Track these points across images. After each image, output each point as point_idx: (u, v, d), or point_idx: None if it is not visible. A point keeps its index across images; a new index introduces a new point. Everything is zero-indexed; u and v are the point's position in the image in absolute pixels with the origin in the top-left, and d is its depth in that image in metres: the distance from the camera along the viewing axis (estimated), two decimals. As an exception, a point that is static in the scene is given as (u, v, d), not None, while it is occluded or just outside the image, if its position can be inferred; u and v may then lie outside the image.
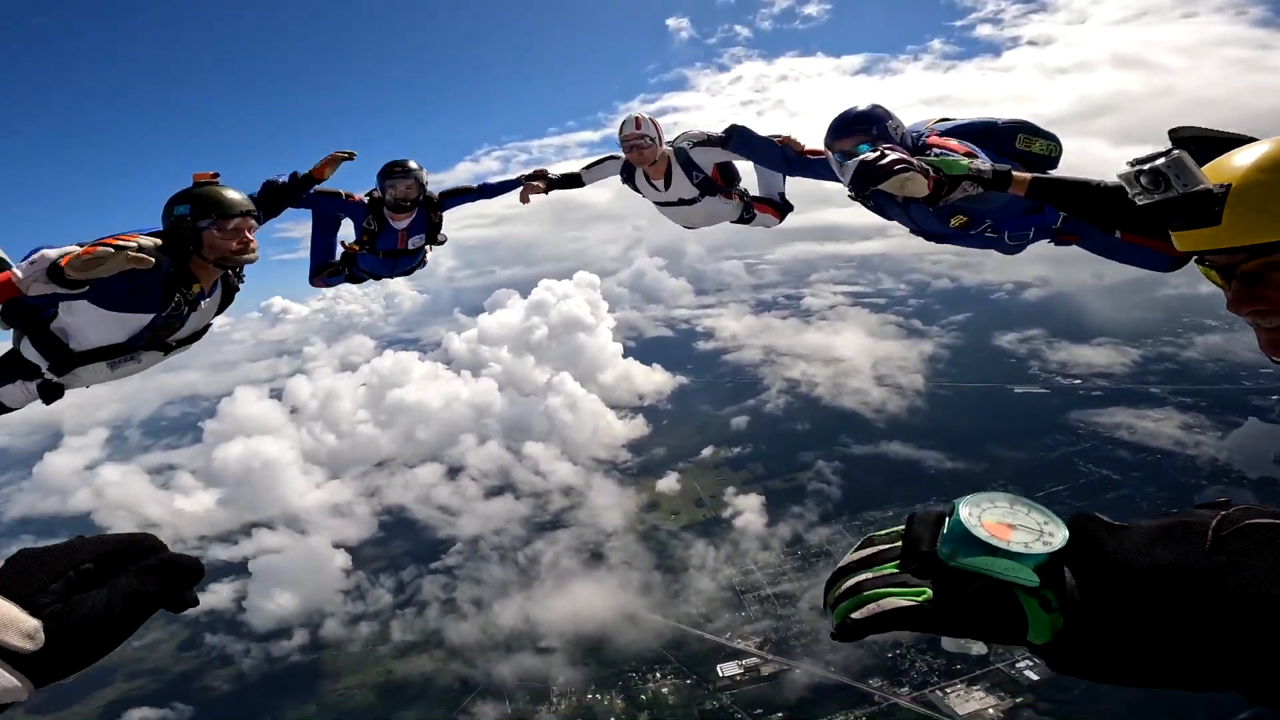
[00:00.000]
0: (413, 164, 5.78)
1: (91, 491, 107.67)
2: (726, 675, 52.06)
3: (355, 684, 56.85)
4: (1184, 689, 0.71)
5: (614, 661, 56.30)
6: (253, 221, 3.77)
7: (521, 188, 6.22)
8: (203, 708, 55.82)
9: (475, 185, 6.25)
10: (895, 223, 4.41)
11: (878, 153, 3.34)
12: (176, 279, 3.69)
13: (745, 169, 6.24)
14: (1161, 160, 1.58)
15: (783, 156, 5.25)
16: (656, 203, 6.13)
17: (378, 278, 6.29)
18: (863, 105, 4.10)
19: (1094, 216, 3.13)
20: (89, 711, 55.93)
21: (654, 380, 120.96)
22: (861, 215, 4.61)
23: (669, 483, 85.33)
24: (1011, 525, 0.81)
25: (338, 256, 6.17)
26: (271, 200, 4.73)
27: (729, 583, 65.09)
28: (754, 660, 53.18)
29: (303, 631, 65.15)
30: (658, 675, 53.48)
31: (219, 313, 4.16)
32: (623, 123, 5.74)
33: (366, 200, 5.83)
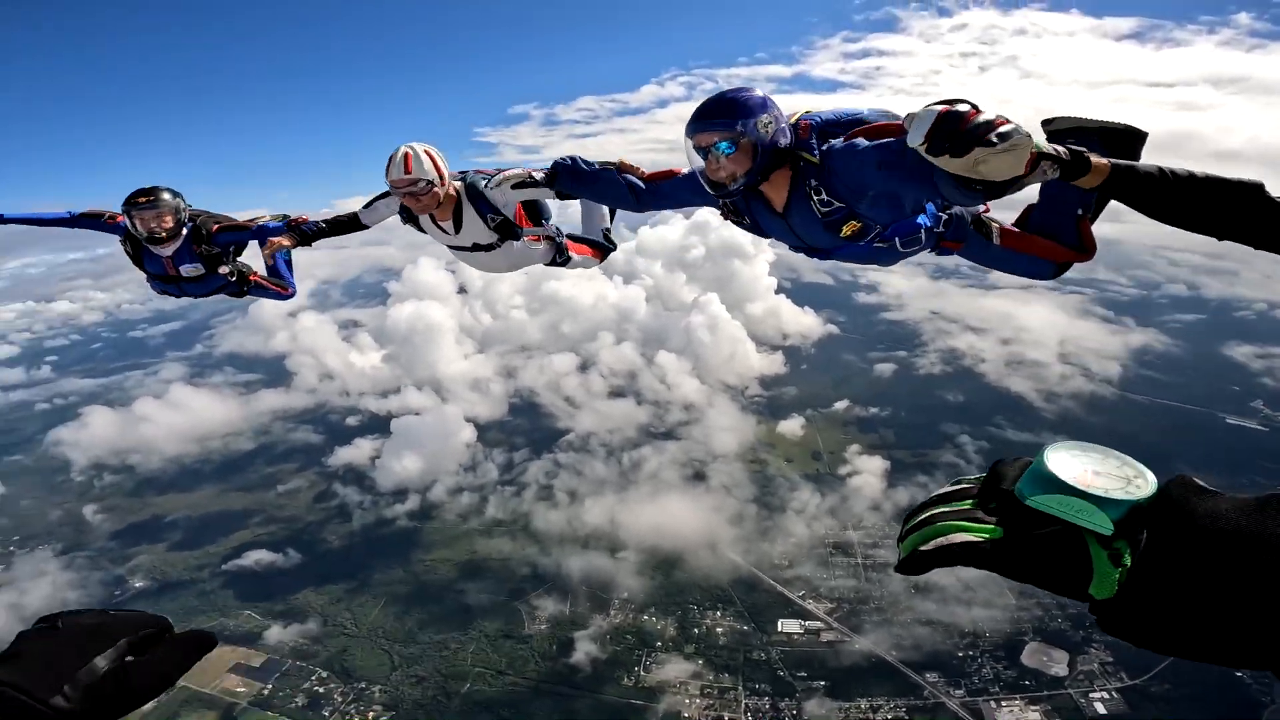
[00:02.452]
0: (165, 194, 5.40)
1: (289, 335, 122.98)
2: (784, 631, 51.02)
3: (441, 558, 61.52)
4: (1236, 666, 0.70)
5: (680, 586, 56.71)
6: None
7: (265, 245, 5.53)
8: (311, 558, 62.54)
9: (253, 226, 5.78)
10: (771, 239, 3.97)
11: (970, 106, 2.50)
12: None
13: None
14: None
15: (629, 191, 4.26)
16: (449, 246, 5.24)
17: (173, 295, 6.08)
18: (735, 91, 3.41)
19: (1189, 219, 2.52)
20: (222, 549, 64.23)
21: (802, 322, 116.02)
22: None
23: (792, 426, 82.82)
24: (1098, 473, 0.80)
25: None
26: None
27: (824, 535, 62.93)
28: (817, 624, 51.52)
29: (416, 497, 71.05)
30: (717, 613, 53.38)
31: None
32: (389, 163, 4.64)
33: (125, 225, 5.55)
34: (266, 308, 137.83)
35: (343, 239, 5.54)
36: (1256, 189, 2.34)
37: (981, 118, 2.43)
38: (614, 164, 4.32)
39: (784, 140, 3.37)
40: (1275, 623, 0.64)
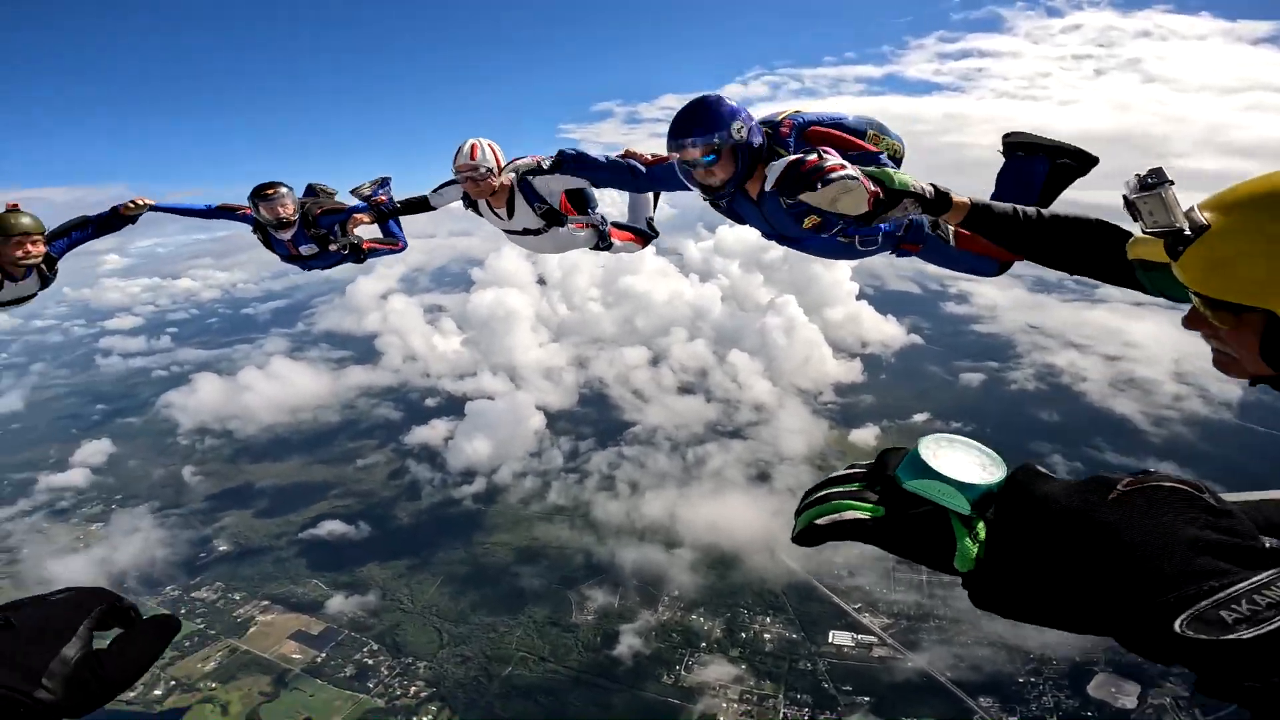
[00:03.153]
0: (283, 187, 6.22)
1: (380, 316, 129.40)
2: (835, 643, 49.38)
3: (501, 541, 62.77)
4: (1073, 631, 0.79)
5: (733, 587, 55.89)
6: (34, 239, 5.39)
7: (350, 222, 6.66)
8: (381, 532, 65.06)
9: (346, 207, 6.62)
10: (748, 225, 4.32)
11: (815, 155, 3.04)
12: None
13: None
14: (1138, 195, 1.49)
15: (629, 173, 4.83)
16: (503, 230, 5.98)
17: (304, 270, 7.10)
18: (705, 100, 3.66)
19: (1031, 250, 2.92)
20: (301, 518, 67.72)
21: (884, 330, 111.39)
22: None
23: (865, 436, 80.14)
24: (962, 460, 0.91)
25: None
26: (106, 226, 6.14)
27: None
28: (870, 639, 49.62)
29: (482, 480, 72.91)
30: (767, 618, 52.20)
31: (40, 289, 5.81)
32: (457, 151, 5.46)
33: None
34: (362, 289, 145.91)
35: (433, 228, 6.55)
36: (1111, 230, 2.60)
37: (818, 164, 2.93)
38: (621, 152, 4.91)
39: (758, 141, 3.65)
40: (1100, 591, 0.72)
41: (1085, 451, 70.72)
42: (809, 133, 3.64)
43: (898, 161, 3.80)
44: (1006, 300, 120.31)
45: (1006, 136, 4.02)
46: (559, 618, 52.82)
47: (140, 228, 6.39)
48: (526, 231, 5.82)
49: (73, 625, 0.86)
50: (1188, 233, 1.40)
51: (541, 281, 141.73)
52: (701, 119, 3.55)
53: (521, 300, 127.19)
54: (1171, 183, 1.46)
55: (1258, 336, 1.44)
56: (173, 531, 65.36)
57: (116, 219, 6.12)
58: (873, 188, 2.89)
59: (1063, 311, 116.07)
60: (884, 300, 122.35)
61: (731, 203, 4.03)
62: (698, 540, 61.42)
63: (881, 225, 3.46)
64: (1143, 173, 1.53)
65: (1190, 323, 1.62)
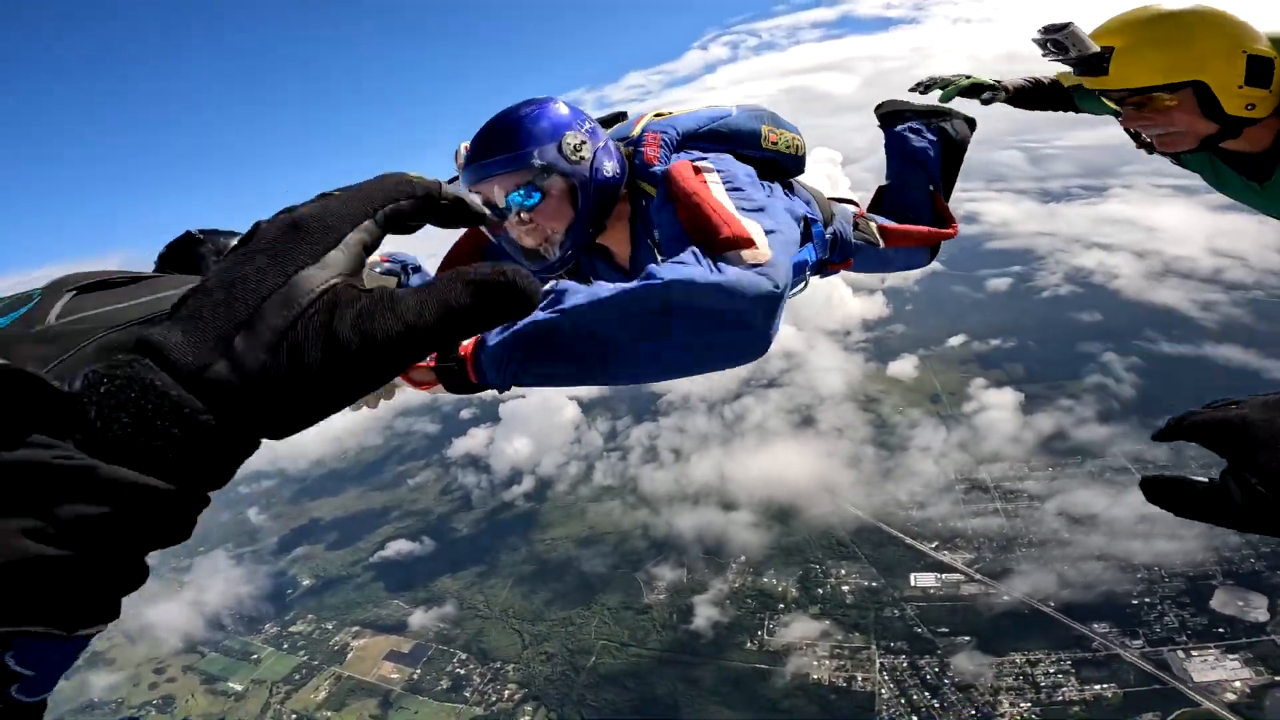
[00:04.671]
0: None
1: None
2: (919, 586, 48.74)
3: (560, 535, 63.53)
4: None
5: (799, 542, 55.77)
6: None
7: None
8: (444, 545, 66.47)
9: None
10: None
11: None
12: None
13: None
14: (1060, 33, 2.32)
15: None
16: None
17: None
18: (517, 108, 2.19)
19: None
20: (369, 545, 69.41)
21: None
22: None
23: (904, 367, 79.19)
24: None
25: None
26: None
27: (956, 470, 59.64)
28: (956, 576, 48.70)
29: (530, 479, 73.70)
30: (841, 570, 51.88)
31: None
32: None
33: None
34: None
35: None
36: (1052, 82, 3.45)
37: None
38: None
39: (612, 166, 2.22)
40: None
41: (1138, 345, 68.94)
42: (674, 176, 2.07)
43: (800, 158, 2.68)
44: (1018, 213, 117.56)
45: (878, 109, 3.65)
46: (631, 601, 53.34)
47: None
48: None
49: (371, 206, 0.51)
50: (1100, 52, 2.31)
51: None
52: (505, 136, 2.14)
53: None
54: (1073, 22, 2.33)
55: (1195, 102, 2.29)
56: (252, 569, 67.61)
57: None
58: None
59: (1075, 213, 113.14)
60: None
61: (594, 275, 2.61)
62: (753, 497, 61.61)
63: (806, 258, 2.43)
64: (1052, 22, 2.37)
65: (1129, 121, 2.48)
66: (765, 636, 47.50)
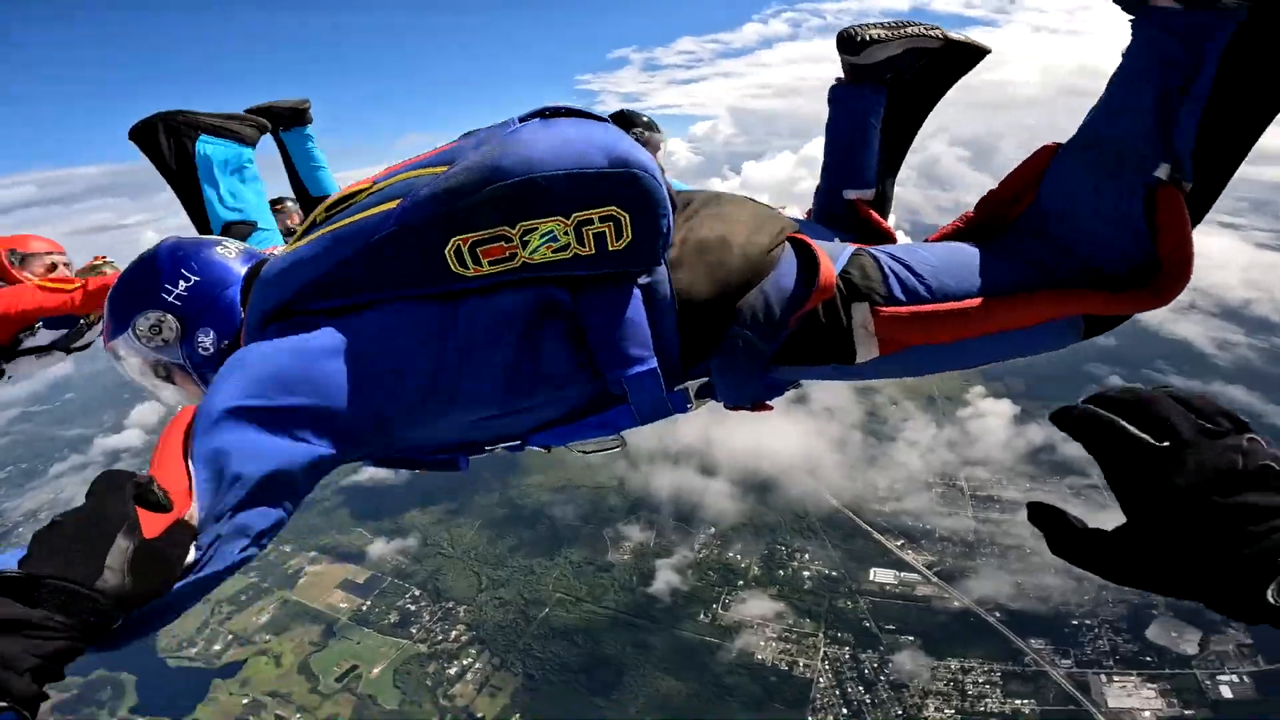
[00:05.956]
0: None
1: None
2: (877, 580, 48.82)
3: (536, 483, 62.91)
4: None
5: (772, 521, 55.53)
6: None
7: None
8: (417, 477, 63.32)
9: None
10: None
11: None
12: None
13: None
14: None
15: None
16: None
17: None
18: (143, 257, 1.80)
19: None
20: (343, 468, 68.01)
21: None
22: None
23: (902, 358, 77.52)
24: None
25: None
26: None
27: (939, 469, 59.49)
28: (914, 577, 48.80)
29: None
30: (806, 556, 51.77)
31: None
32: None
33: None
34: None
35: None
36: None
37: None
38: None
39: (208, 346, 1.73)
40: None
41: (1147, 374, 68.09)
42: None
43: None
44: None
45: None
46: (595, 557, 53.23)
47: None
48: None
49: (118, 516, 0.84)
50: None
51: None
52: (116, 298, 1.76)
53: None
54: None
55: None
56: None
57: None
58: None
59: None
60: (920, 232, 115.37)
61: None
62: (734, 466, 61.19)
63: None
64: None
65: None
66: (720, 610, 47.49)
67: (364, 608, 50.68)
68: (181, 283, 1.72)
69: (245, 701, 44.25)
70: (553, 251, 1.35)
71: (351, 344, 1.30)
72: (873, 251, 1.57)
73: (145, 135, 2.93)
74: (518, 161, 1.30)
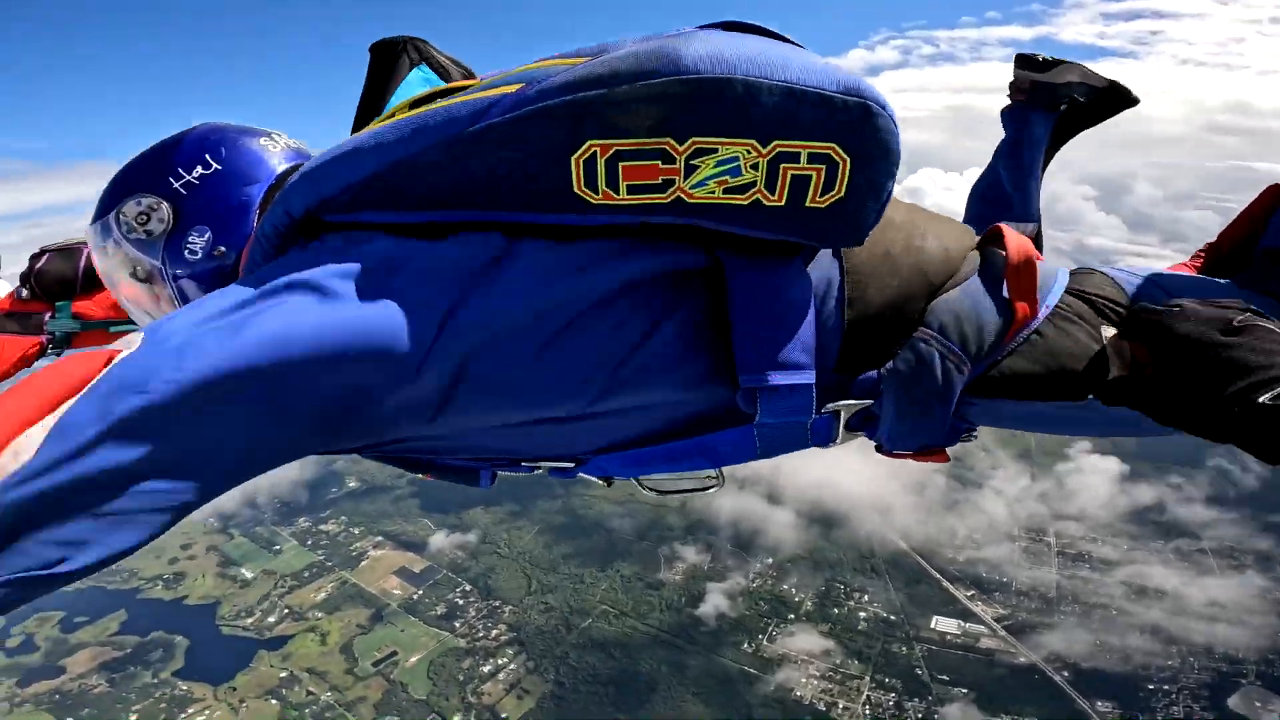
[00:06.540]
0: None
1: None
2: (937, 629, 46.18)
3: (601, 493, 62.63)
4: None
5: (833, 554, 53.76)
6: None
7: None
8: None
9: None
10: None
11: None
12: None
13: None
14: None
15: None
16: None
17: None
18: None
19: None
20: None
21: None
22: None
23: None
24: None
25: None
26: None
27: (1026, 520, 56.16)
28: (979, 629, 45.68)
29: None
30: (864, 596, 49.63)
31: None
32: None
33: None
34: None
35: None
36: None
37: None
38: None
39: (220, 256, 1.31)
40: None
41: None
42: None
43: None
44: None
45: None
46: (646, 574, 52.84)
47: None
48: None
49: None
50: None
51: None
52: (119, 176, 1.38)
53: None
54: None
55: None
56: (305, 466, 71.91)
57: None
58: None
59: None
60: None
61: None
62: (801, 496, 59.43)
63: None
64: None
65: None
66: (765, 641, 46.14)
67: (415, 596, 52.38)
68: (198, 169, 1.33)
69: (283, 675, 46.37)
70: (724, 190, 0.95)
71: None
72: (1104, 269, 1.30)
73: (384, 54, 2.36)
74: (707, 56, 0.91)
